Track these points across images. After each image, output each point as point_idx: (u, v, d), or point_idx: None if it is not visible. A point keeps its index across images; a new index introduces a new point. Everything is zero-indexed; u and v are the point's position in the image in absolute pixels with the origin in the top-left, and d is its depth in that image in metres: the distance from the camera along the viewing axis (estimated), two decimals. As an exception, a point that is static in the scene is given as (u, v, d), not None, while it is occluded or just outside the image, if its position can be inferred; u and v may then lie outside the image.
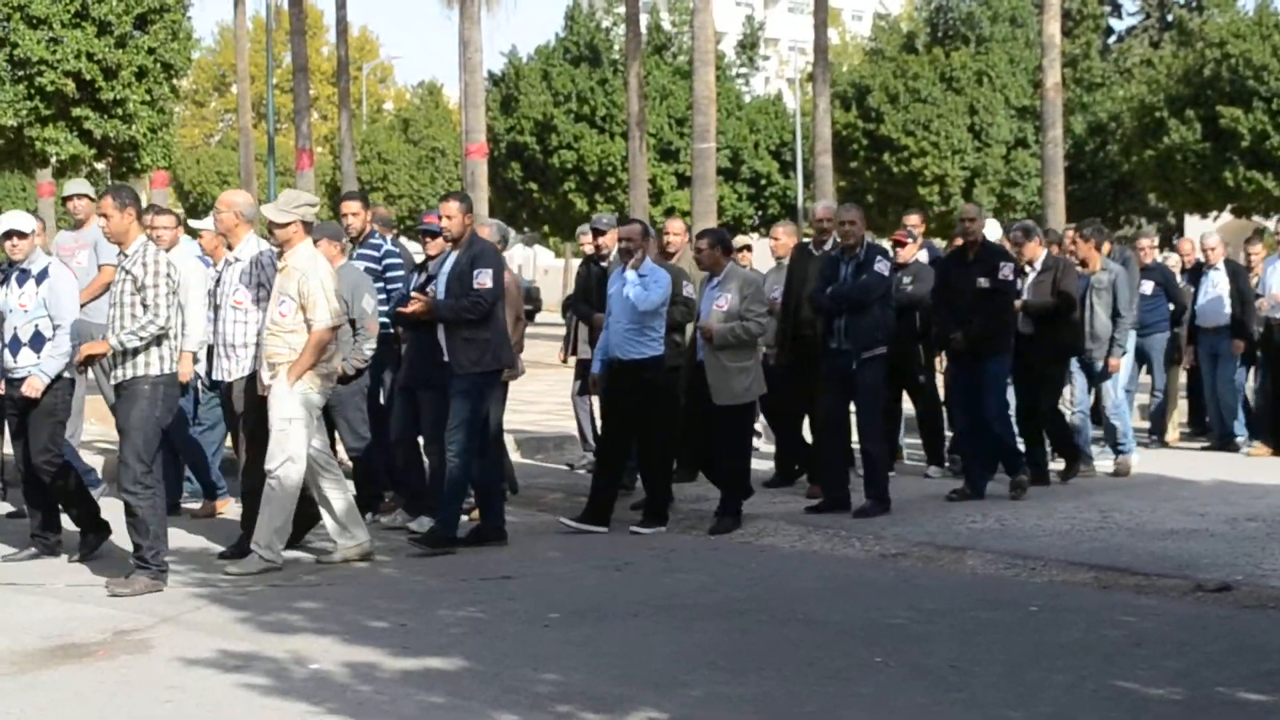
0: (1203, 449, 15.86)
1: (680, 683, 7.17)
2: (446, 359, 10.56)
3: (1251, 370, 16.04)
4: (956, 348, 12.53)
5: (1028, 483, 12.58)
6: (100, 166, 24.96)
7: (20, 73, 20.72)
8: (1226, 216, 41.15)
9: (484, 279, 10.43)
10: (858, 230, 11.95)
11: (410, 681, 7.20)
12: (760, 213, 51.34)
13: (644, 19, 42.19)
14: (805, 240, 13.53)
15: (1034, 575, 9.72)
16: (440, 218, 10.71)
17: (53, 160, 22.35)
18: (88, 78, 20.91)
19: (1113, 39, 56.09)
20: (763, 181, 51.20)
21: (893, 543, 10.80)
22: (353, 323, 11.36)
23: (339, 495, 10.18)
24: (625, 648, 7.88)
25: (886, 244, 13.69)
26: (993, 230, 13.91)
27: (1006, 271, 12.50)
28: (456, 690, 7.04)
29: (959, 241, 13.06)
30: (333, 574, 9.86)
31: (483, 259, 10.52)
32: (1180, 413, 16.91)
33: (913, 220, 14.67)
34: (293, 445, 9.80)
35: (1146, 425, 16.61)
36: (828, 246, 12.66)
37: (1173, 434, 16.40)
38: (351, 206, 12.21)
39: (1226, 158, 37.38)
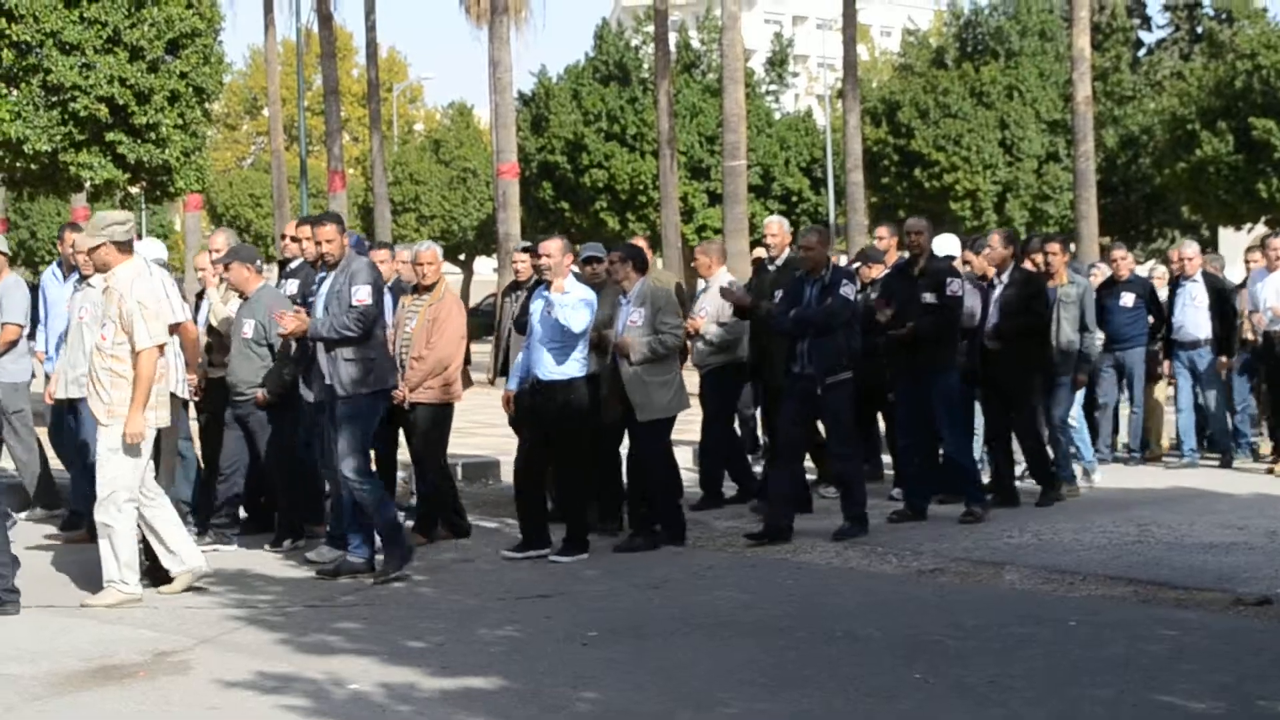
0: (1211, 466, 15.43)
1: (719, 700, 7.16)
2: (328, 381, 10.31)
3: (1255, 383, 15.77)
4: (896, 337, 12.23)
5: (982, 514, 12.16)
6: (134, 190, 25.10)
7: (54, 99, 20.84)
8: (1261, 228, 40.97)
9: (362, 295, 10.18)
10: (816, 255, 11.61)
11: (449, 701, 7.21)
12: (792, 230, 51.32)
13: (673, 37, 42.26)
14: (762, 256, 13.44)
15: (1072, 590, 9.68)
16: (318, 242, 10.50)
17: (87, 185, 22.46)
18: (121, 102, 21.01)
19: (1143, 52, 55.93)
20: (794, 198, 51.15)
21: (930, 558, 10.77)
22: (271, 347, 11.30)
23: (164, 520, 9.91)
24: (664, 666, 7.87)
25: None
26: (950, 245, 13.65)
27: (954, 287, 12.21)
28: (496, 709, 7.05)
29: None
30: (370, 594, 9.89)
31: (360, 275, 10.29)
32: (1170, 426, 16.61)
33: (881, 233, 14.41)
34: (117, 475, 9.61)
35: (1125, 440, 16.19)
36: (781, 262, 12.80)
37: (1160, 447, 16.11)
38: (304, 231, 11.86)
39: (1259, 169, 37.23)
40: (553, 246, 11.09)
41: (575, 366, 11.01)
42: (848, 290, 11.51)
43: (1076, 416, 14.02)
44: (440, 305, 11.60)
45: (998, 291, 12.86)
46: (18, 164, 21.67)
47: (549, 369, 11.00)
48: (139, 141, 21.59)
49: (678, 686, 7.43)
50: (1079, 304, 13.55)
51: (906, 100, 46.73)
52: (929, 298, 12.13)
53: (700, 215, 47.36)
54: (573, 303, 10.79)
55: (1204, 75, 41.02)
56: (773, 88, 55.51)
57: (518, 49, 35.30)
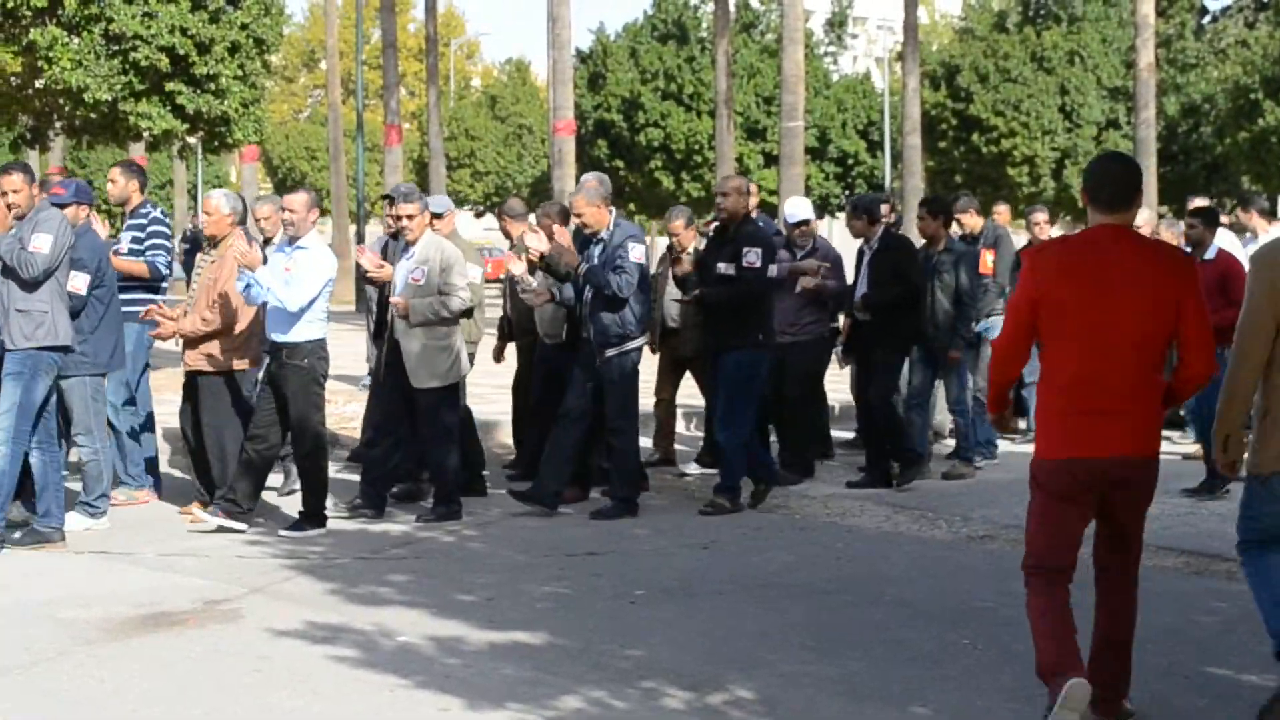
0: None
1: (766, 662, 7.16)
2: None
3: None
4: (680, 302, 11.76)
5: (729, 506, 11.17)
6: (192, 140, 25.18)
7: (115, 47, 20.85)
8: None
9: (40, 242, 9.53)
10: (593, 215, 10.92)
11: (497, 655, 7.24)
12: (848, 192, 51.13)
13: (732, -3, 42.02)
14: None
15: (1124, 560, 9.61)
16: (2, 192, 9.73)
17: (145, 135, 22.50)
18: (181, 52, 21.01)
19: (1207, 19, 55.26)
20: (850, 161, 50.94)
21: (980, 525, 10.74)
22: None
23: None
24: (711, 625, 7.87)
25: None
26: (801, 208, 12.91)
27: (752, 257, 11.13)
28: (543, 664, 7.07)
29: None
30: (420, 548, 9.93)
31: (44, 225, 9.60)
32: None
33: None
34: None
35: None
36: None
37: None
38: (113, 174, 11.68)
39: (1323, 140, 36.88)
40: (297, 201, 10.39)
41: (307, 328, 10.27)
42: (637, 252, 10.85)
43: (962, 395, 13.26)
44: (222, 263, 10.70)
45: (866, 258, 12.22)
46: (78, 112, 21.73)
47: (281, 328, 10.29)
48: (198, 92, 21.62)
49: (725, 646, 7.43)
50: (955, 271, 12.55)
51: (966, 64, 46.39)
52: (723, 268, 11.27)
53: (756, 176, 47.11)
54: (292, 268, 10.21)
55: (1269, 43, 40.57)
56: (831, 49, 55.26)
57: (577, 5, 35.11)
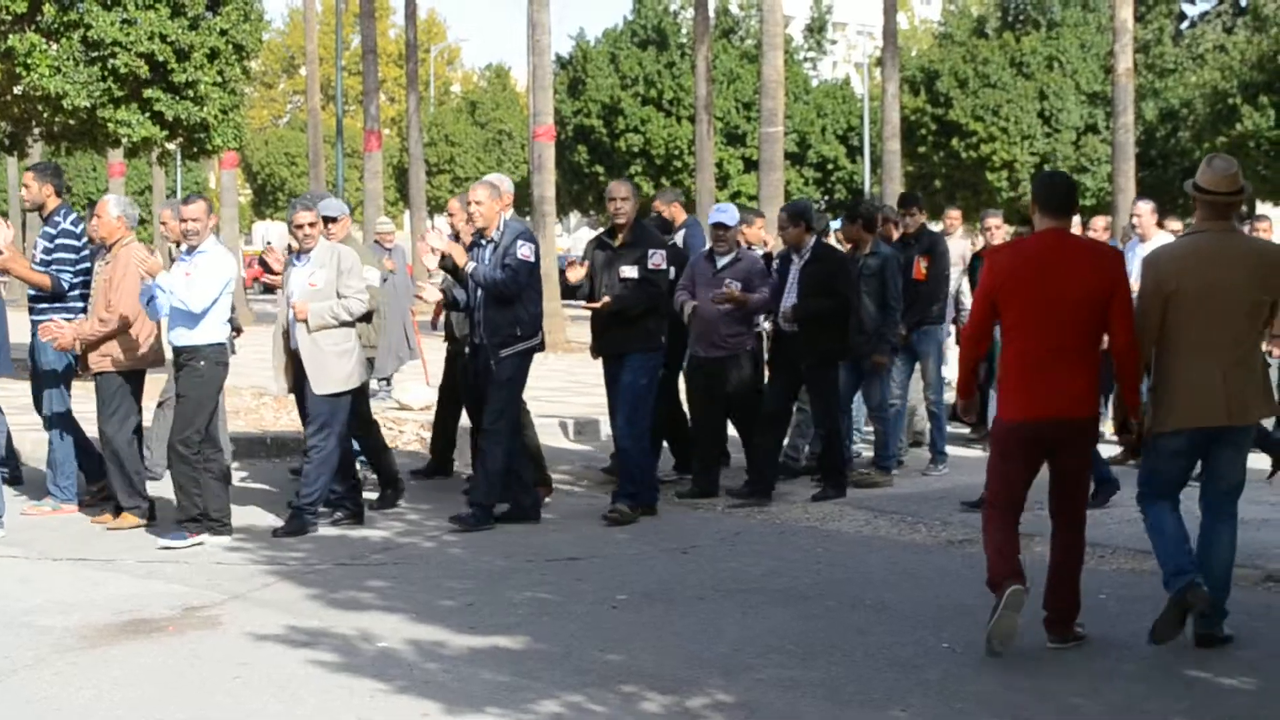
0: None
1: (747, 666, 7.17)
2: None
3: None
4: (590, 308, 11.47)
5: (631, 516, 11.04)
6: (171, 147, 25.17)
7: (94, 54, 20.86)
8: (1300, 204, 40.69)
9: None
10: (484, 209, 10.79)
11: (477, 660, 7.24)
12: (827, 197, 51.24)
13: (712, 2, 42.09)
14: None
15: (1103, 563, 9.64)
16: None
17: (124, 141, 22.47)
18: (160, 59, 21.03)
19: (1186, 24, 55.48)
20: (829, 166, 51.04)
21: (959, 528, 10.75)
22: None
23: None
24: (692, 630, 7.88)
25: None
26: (724, 212, 12.28)
27: (657, 259, 11.25)
28: (523, 669, 7.07)
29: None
30: (400, 553, 9.92)
31: None
32: None
33: (657, 206, 13.43)
34: None
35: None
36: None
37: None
38: (26, 178, 11.60)
39: (1300, 144, 36.99)
40: (197, 209, 10.34)
41: (203, 332, 10.23)
42: (526, 250, 10.76)
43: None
44: (115, 264, 10.78)
45: (795, 267, 11.98)
46: (56, 119, 21.72)
47: (180, 334, 10.25)
48: (177, 98, 21.62)
49: (705, 651, 7.44)
50: (880, 277, 12.40)
51: (946, 69, 46.51)
52: (628, 271, 11.27)
53: (735, 181, 47.26)
54: (200, 275, 10.15)
55: (1246, 49, 40.73)
56: (811, 54, 55.42)
57: (557, 11, 34.87)
